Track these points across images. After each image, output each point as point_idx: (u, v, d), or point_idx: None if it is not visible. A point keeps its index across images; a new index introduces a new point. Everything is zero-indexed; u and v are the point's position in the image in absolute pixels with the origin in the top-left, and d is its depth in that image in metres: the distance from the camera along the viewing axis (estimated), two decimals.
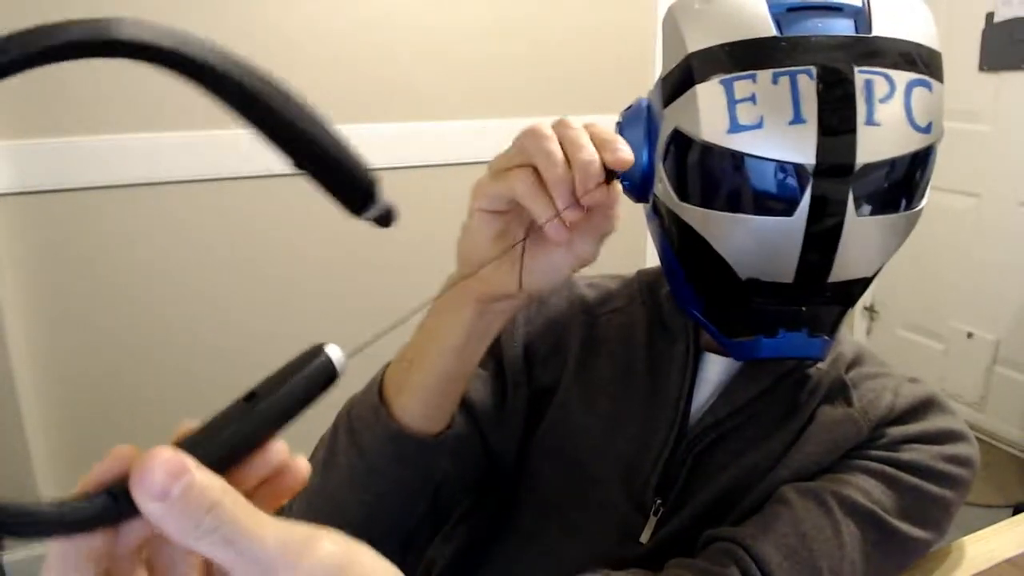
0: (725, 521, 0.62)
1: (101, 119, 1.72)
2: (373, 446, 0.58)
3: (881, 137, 0.51)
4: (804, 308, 0.57)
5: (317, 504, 0.61)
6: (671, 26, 0.58)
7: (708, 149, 0.55)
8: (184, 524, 0.24)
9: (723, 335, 0.61)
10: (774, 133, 0.51)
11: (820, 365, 0.66)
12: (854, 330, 2.94)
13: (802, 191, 0.52)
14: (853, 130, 0.51)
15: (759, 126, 0.52)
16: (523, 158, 0.49)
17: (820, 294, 0.56)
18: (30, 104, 1.65)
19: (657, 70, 0.63)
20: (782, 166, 0.53)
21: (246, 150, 1.76)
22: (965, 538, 0.76)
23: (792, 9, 0.53)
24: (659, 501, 0.66)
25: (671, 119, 0.57)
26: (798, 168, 0.52)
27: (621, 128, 0.64)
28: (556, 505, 0.69)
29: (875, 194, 0.55)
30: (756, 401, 0.64)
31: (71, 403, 1.86)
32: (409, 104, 1.98)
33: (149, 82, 1.71)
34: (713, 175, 0.57)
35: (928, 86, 0.53)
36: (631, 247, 2.47)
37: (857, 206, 0.52)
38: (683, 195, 0.58)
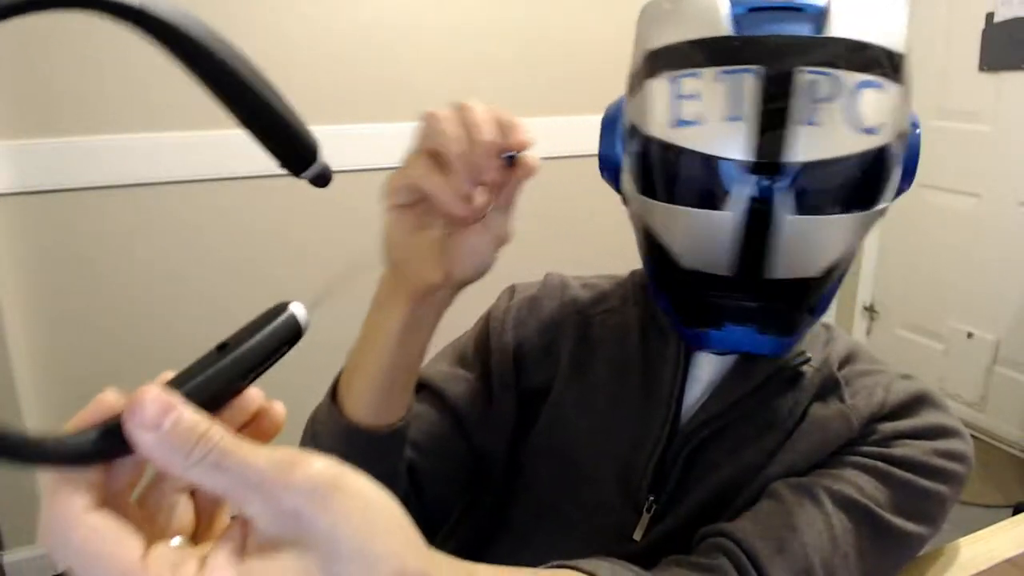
0: (719, 519, 0.62)
1: (101, 119, 1.72)
2: (330, 445, 0.58)
3: (818, 137, 0.52)
4: (752, 304, 0.58)
5: None
6: (641, 23, 0.61)
7: (654, 142, 0.57)
8: (175, 454, 0.25)
9: (681, 325, 0.63)
10: (712, 129, 0.53)
11: (813, 362, 0.66)
12: (854, 330, 2.94)
13: (737, 188, 0.53)
14: (787, 128, 0.52)
15: (699, 122, 0.54)
16: (422, 144, 0.50)
17: (761, 290, 0.57)
18: (30, 104, 1.65)
19: None
20: (719, 161, 0.54)
21: (246, 150, 1.76)
22: (965, 538, 0.76)
23: (754, 10, 0.54)
24: (652, 499, 0.66)
25: (629, 113, 0.60)
26: (733, 164, 0.53)
27: (603, 122, 0.66)
28: (551, 504, 0.69)
29: (814, 194, 0.54)
30: (747, 398, 0.65)
31: (71, 403, 1.86)
32: (409, 104, 1.97)
33: (149, 82, 1.71)
34: (658, 168, 0.58)
35: (879, 87, 0.53)
36: (627, 247, 2.47)
37: (795, 205, 0.53)
38: (638, 186, 0.60)
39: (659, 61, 0.56)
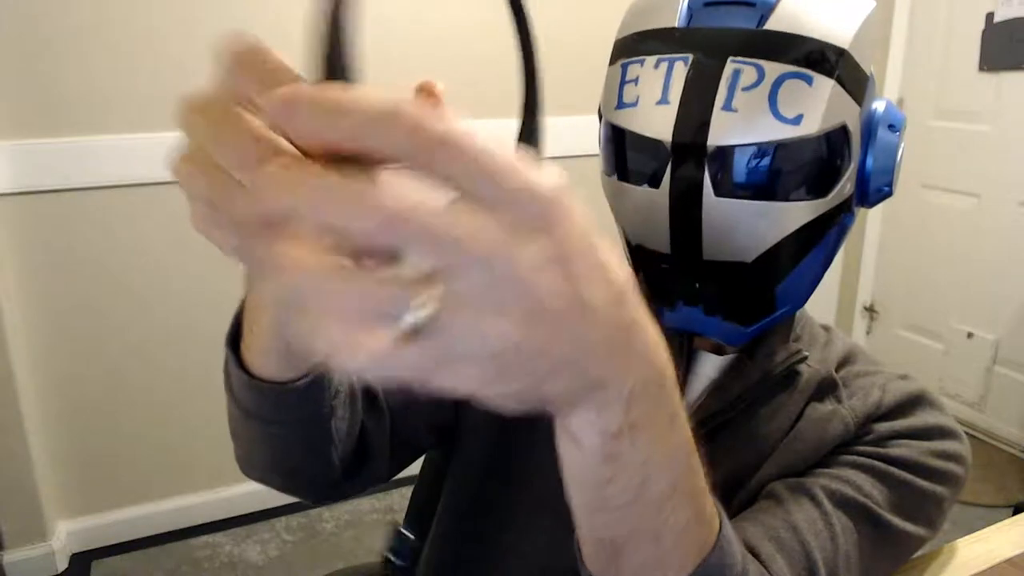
0: None
1: (101, 119, 1.72)
2: (242, 395, 0.52)
3: (735, 122, 0.54)
4: (698, 285, 0.61)
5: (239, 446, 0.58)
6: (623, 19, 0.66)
7: (604, 123, 0.63)
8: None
9: (649, 303, 0.63)
10: (644, 111, 0.58)
11: (810, 363, 0.66)
12: (854, 330, 2.94)
13: (664, 167, 0.57)
14: (708, 113, 0.55)
15: (634, 104, 0.59)
16: None
17: (700, 270, 0.60)
18: (30, 104, 1.65)
19: None
20: (648, 141, 0.58)
21: None
22: (965, 538, 0.76)
23: (709, 4, 0.58)
24: None
25: (600, 100, 0.65)
26: (659, 144, 0.57)
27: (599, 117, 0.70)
28: (547, 496, 0.69)
29: (735, 178, 0.57)
30: (745, 397, 0.65)
31: (71, 403, 1.86)
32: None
33: (149, 82, 1.71)
34: (609, 147, 0.64)
35: (807, 79, 0.54)
36: None
37: (716, 187, 0.56)
38: (601, 165, 0.67)
39: (617, 50, 0.63)
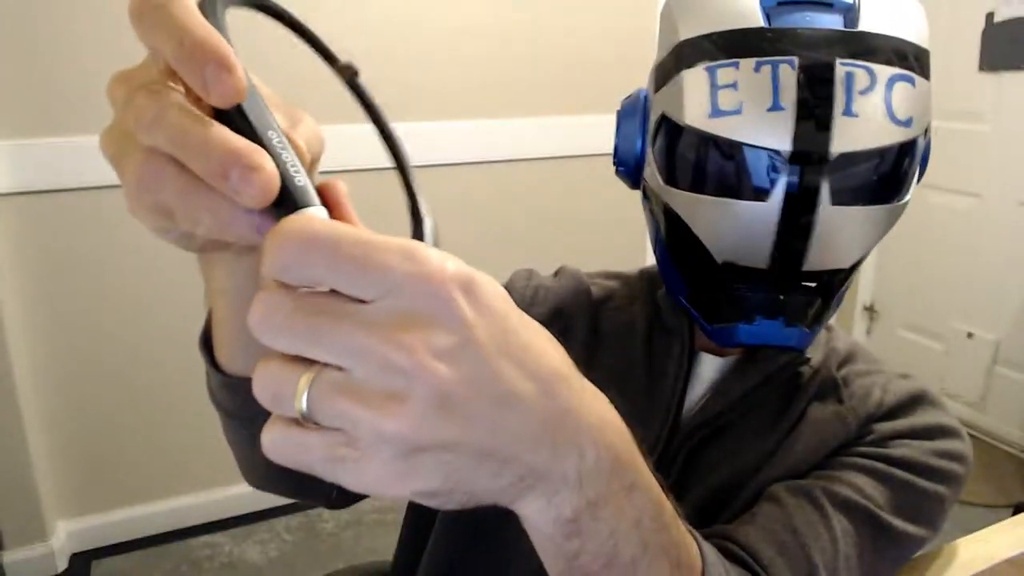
0: (717, 518, 0.62)
1: (101, 119, 1.71)
2: (221, 396, 0.51)
3: (858, 128, 0.52)
4: (782, 296, 0.58)
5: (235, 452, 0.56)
6: (667, 16, 0.60)
7: (690, 133, 0.56)
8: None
9: (705, 320, 0.63)
10: (752, 119, 0.53)
11: (812, 363, 0.66)
12: (854, 330, 2.94)
13: (777, 177, 0.53)
14: (830, 119, 0.52)
15: (738, 111, 0.53)
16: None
17: (796, 282, 0.58)
18: (30, 104, 1.65)
19: None
20: (758, 152, 0.54)
21: None
22: (965, 538, 0.76)
23: (782, 3, 0.55)
24: None
25: (659, 104, 0.60)
26: (774, 154, 0.53)
27: (620, 116, 0.66)
28: None
29: (851, 185, 0.55)
30: (747, 398, 0.65)
31: (71, 403, 1.86)
32: (409, 104, 1.98)
33: None
34: (694, 158, 0.58)
35: (911, 81, 0.54)
36: (628, 246, 2.48)
37: (832, 196, 0.53)
38: (667, 178, 0.60)
39: (693, 52, 0.56)
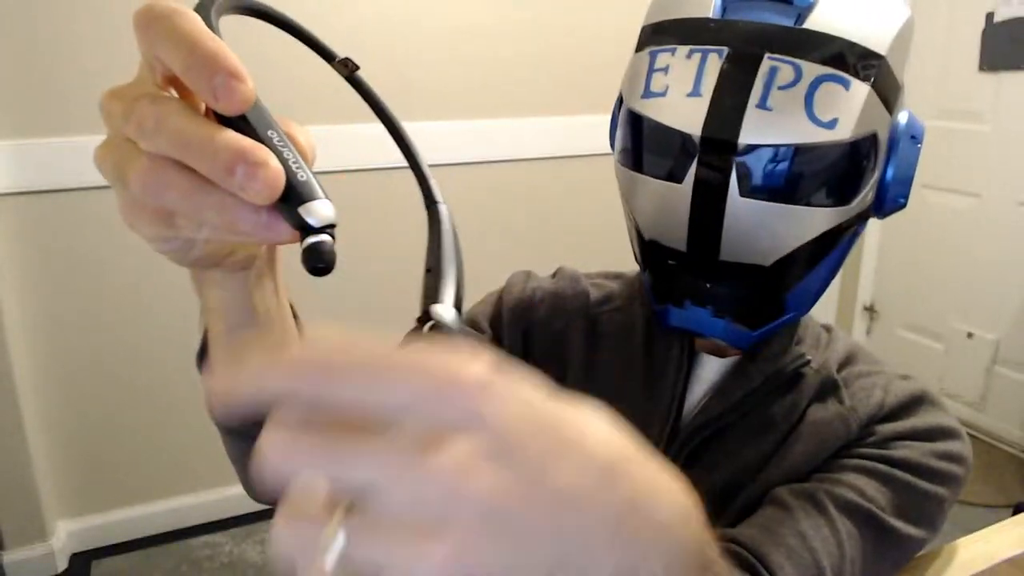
0: (718, 520, 0.62)
1: (101, 119, 1.72)
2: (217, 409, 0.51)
3: (771, 122, 0.53)
4: (708, 285, 0.59)
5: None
6: (649, 6, 0.64)
7: (626, 111, 0.60)
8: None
9: (654, 300, 0.64)
10: (673, 102, 0.55)
11: (812, 364, 0.66)
12: (854, 330, 2.94)
13: (690, 162, 0.55)
14: (742, 109, 0.53)
15: (663, 94, 0.56)
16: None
17: (715, 271, 0.58)
18: (30, 104, 1.65)
19: None
20: (675, 134, 0.56)
21: None
22: (964, 538, 0.76)
23: None
24: None
25: (621, 86, 0.63)
26: (686, 137, 0.55)
27: (615, 106, 0.67)
28: None
29: (764, 179, 0.55)
30: (747, 400, 0.65)
31: (71, 403, 1.86)
32: (409, 104, 1.98)
33: None
34: (627, 136, 0.62)
35: (843, 83, 0.53)
36: (627, 247, 2.47)
37: (741, 186, 0.54)
38: (617, 156, 0.64)
39: (646, 37, 0.60)
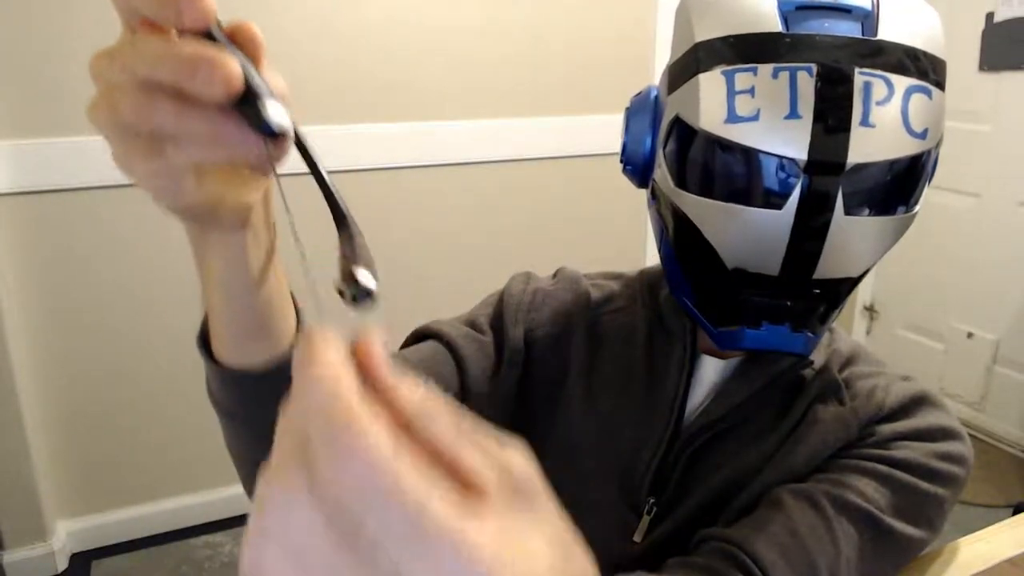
0: (718, 519, 0.62)
1: None
2: (221, 394, 0.51)
3: (875, 139, 0.52)
4: (789, 303, 0.58)
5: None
6: (683, 16, 0.59)
7: (705, 137, 0.56)
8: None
9: (710, 323, 0.62)
10: (769, 126, 0.53)
11: (814, 365, 0.66)
12: (853, 330, 2.94)
13: (792, 186, 0.53)
14: (847, 129, 0.51)
15: (755, 118, 0.53)
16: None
17: (805, 290, 0.57)
18: (30, 104, 1.65)
19: (657, 70, 0.64)
20: (774, 159, 0.54)
21: None
22: (964, 538, 0.76)
23: (801, 8, 0.54)
24: (652, 501, 0.66)
25: (673, 106, 0.58)
26: (789, 162, 0.53)
27: (629, 114, 0.65)
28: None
29: (865, 195, 0.55)
30: (750, 401, 0.65)
31: (71, 403, 1.86)
32: (409, 104, 1.98)
33: None
34: (708, 164, 0.58)
35: (928, 92, 0.54)
36: (628, 247, 2.47)
37: (846, 205, 0.53)
38: (679, 182, 0.59)
39: (709, 54, 0.55)
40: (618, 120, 0.70)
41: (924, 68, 0.54)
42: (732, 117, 0.53)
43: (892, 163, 0.54)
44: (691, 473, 0.65)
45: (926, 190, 0.59)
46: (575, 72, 2.16)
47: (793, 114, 0.52)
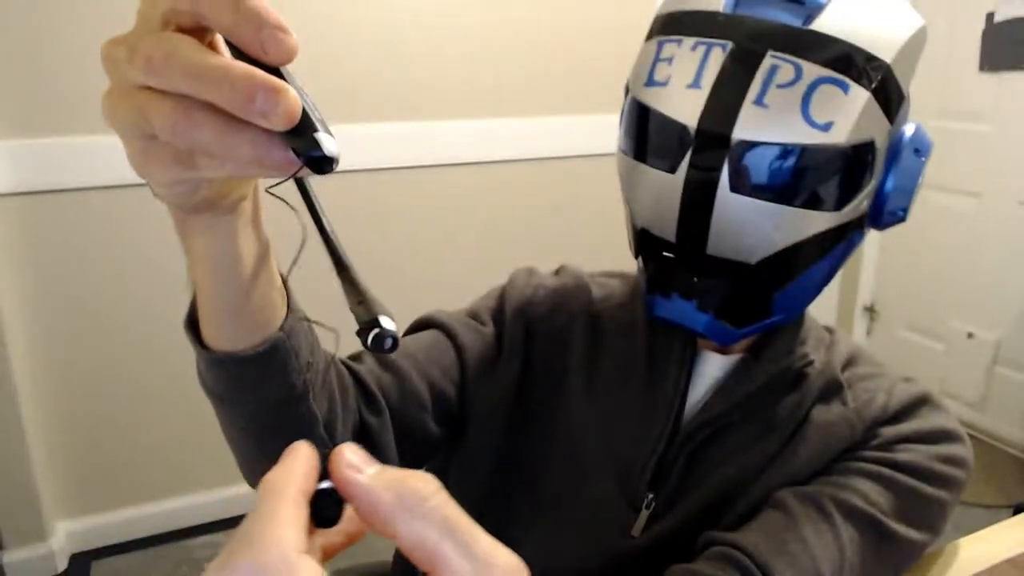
0: (720, 520, 0.62)
1: (101, 119, 1.72)
2: (212, 380, 0.52)
3: (764, 118, 0.53)
4: (696, 279, 0.60)
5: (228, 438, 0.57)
6: None
7: (631, 98, 0.61)
8: (401, 506, 0.27)
9: (645, 289, 0.65)
10: (673, 92, 0.56)
11: (816, 364, 0.66)
12: (854, 330, 2.94)
13: (684, 152, 0.55)
14: (738, 105, 0.53)
15: (664, 84, 0.57)
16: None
17: (702, 264, 0.58)
18: (30, 104, 1.65)
19: None
20: (672, 124, 0.56)
21: None
22: (965, 538, 0.76)
23: None
24: (651, 496, 0.66)
25: (630, 75, 0.64)
26: (683, 128, 0.55)
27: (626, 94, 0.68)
28: (550, 497, 0.69)
29: (755, 176, 0.55)
30: (750, 399, 0.65)
31: (71, 403, 1.86)
32: (409, 104, 1.98)
33: None
34: (630, 124, 0.62)
35: (843, 87, 0.53)
36: (628, 246, 2.47)
37: (732, 182, 0.54)
38: (619, 143, 0.64)
39: (657, 26, 0.61)
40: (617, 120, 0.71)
41: (850, 64, 0.53)
42: (649, 81, 0.58)
43: (785, 149, 0.54)
44: (691, 469, 0.65)
45: (856, 199, 0.57)
46: (575, 72, 2.16)
47: (695, 84, 0.55)
